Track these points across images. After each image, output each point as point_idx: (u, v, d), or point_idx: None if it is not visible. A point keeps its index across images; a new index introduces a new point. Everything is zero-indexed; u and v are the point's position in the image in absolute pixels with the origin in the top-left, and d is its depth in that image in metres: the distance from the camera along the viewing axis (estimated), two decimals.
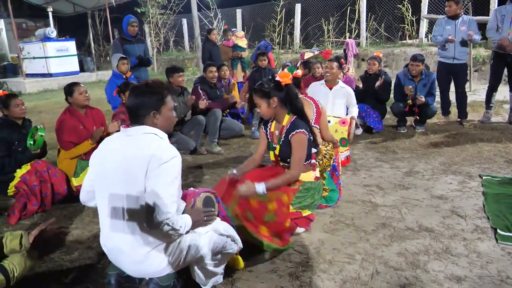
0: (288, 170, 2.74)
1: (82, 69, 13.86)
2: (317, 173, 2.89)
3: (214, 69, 5.38)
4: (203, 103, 4.94)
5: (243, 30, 12.56)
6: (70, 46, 13.16)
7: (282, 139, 2.75)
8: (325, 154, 3.22)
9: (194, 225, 1.97)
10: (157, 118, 1.95)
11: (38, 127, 3.51)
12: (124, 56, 5.37)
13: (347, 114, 4.38)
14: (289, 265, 2.48)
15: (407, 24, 10.71)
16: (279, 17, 12.69)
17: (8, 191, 3.34)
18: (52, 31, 12.74)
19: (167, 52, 15.53)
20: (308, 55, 9.75)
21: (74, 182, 3.60)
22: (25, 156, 3.47)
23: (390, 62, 10.26)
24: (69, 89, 3.72)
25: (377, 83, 5.36)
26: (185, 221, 1.89)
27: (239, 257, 2.36)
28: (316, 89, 4.43)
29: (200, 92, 5.19)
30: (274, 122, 2.87)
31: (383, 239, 2.74)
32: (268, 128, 2.91)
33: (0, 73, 13.30)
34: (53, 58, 12.54)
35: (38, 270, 2.53)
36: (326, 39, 11.93)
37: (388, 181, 3.75)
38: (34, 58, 12.70)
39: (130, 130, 1.95)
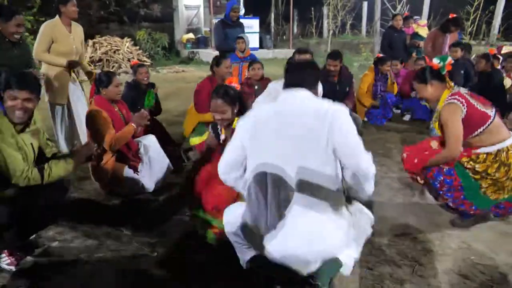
0: None
1: (261, 45, 14.82)
2: None
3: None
4: None
5: (429, 16, 11.50)
6: (255, 24, 14.19)
7: None
8: None
9: None
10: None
11: (151, 92, 4.15)
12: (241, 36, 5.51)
13: None
14: (471, 284, 2.22)
15: None
16: (476, 3, 11.14)
17: None
18: (241, 9, 13.96)
19: (342, 36, 15.37)
20: (507, 49, 8.36)
21: (195, 141, 3.93)
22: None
23: None
24: (218, 60, 4.07)
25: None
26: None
27: None
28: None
29: None
30: None
31: None
32: None
33: (194, 44, 15.24)
34: None
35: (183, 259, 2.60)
36: None
37: None
38: None
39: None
